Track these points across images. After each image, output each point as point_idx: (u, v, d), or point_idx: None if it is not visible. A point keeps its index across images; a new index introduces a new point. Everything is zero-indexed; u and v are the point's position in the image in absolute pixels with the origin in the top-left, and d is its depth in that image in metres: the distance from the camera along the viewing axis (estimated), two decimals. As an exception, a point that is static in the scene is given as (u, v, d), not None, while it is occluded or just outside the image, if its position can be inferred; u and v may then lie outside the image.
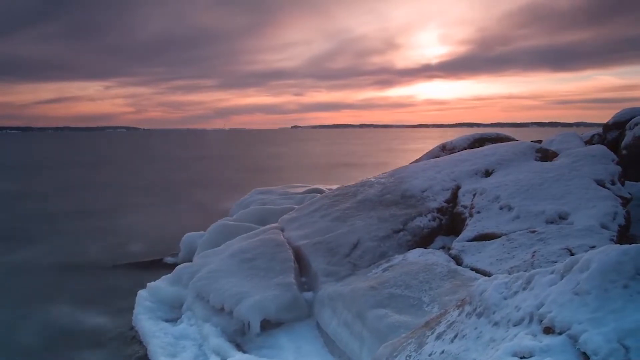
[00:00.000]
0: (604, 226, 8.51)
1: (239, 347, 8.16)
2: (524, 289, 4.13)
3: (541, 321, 3.59)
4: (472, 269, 8.24)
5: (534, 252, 7.94)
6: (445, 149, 16.56)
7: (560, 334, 3.38)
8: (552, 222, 9.00)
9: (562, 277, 3.87)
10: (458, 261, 8.79)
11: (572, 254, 7.52)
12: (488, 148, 13.77)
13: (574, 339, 3.27)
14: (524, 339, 3.44)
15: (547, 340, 3.36)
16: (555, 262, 7.00)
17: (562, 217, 9.10)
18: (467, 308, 4.59)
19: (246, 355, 7.79)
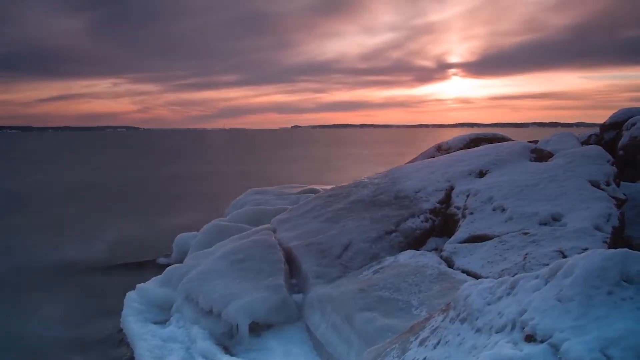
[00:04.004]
0: (597, 228, 8.37)
1: (227, 350, 8.04)
2: (508, 294, 4.01)
3: (523, 328, 3.47)
4: (463, 271, 8.12)
5: (526, 254, 7.82)
6: (440, 149, 16.43)
7: (541, 342, 3.26)
8: (545, 224, 8.88)
9: (546, 283, 3.75)
10: (449, 263, 8.66)
11: (564, 256, 7.40)
12: (483, 148, 13.64)
13: (555, 348, 3.15)
14: (504, 348, 3.32)
15: (528, 349, 3.24)
16: (547, 264, 6.86)
17: (556, 218, 8.97)
18: (451, 313, 4.48)
19: (234, 359, 7.69)
